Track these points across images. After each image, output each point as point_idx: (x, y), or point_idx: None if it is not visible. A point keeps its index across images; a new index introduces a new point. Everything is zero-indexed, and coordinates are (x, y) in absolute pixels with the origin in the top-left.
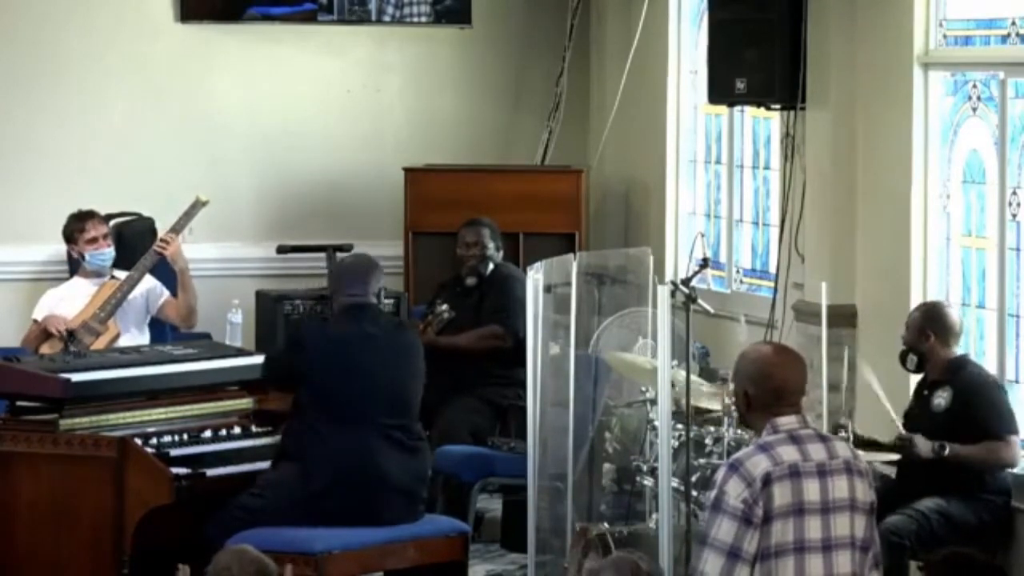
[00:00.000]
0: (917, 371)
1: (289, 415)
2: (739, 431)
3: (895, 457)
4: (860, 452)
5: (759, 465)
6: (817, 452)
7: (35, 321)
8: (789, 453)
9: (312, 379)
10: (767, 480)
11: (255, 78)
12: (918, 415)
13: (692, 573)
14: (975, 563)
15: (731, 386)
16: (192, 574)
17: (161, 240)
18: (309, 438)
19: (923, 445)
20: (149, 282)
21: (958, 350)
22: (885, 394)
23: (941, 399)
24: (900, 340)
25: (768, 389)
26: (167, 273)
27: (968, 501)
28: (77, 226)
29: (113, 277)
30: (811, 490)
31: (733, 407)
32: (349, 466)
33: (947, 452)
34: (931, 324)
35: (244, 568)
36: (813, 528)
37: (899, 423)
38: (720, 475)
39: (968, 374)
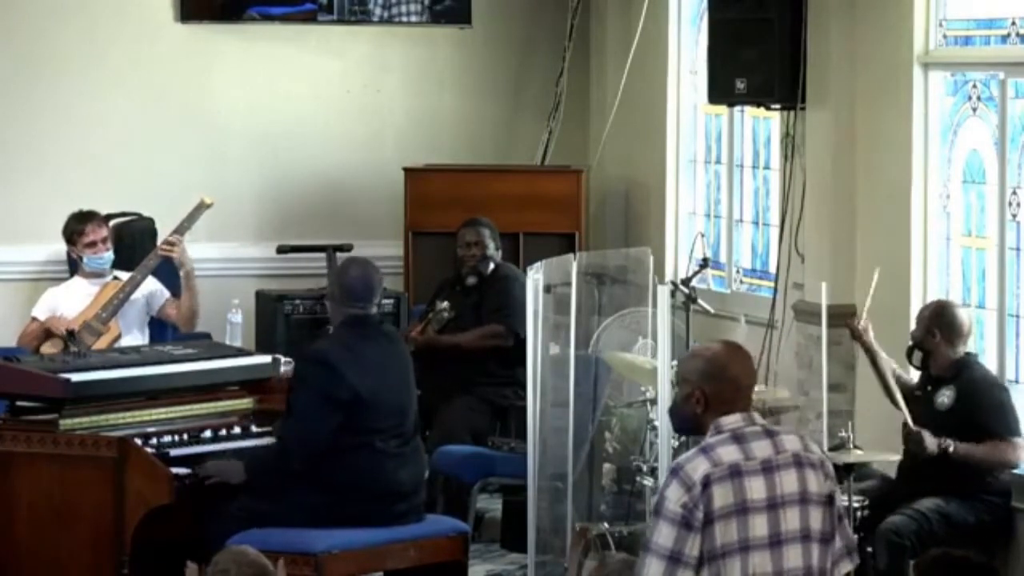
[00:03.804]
0: (921, 368)
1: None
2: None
3: (896, 457)
4: (858, 452)
5: (698, 469)
6: (762, 449)
7: (34, 318)
8: (729, 453)
9: (343, 399)
10: (707, 483)
11: (255, 78)
12: (921, 412)
13: None
14: (969, 564)
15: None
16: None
17: (166, 241)
18: (325, 454)
19: (930, 442)
20: (151, 284)
21: (965, 350)
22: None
23: (945, 397)
24: (906, 337)
25: (725, 385)
26: (167, 274)
27: (968, 501)
28: (77, 228)
29: (115, 278)
30: (755, 488)
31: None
32: (365, 482)
33: (952, 449)
34: (938, 323)
35: (242, 570)
36: (759, 526)
37: (907, 415)
38: (663, 479)
39: (972, 374)
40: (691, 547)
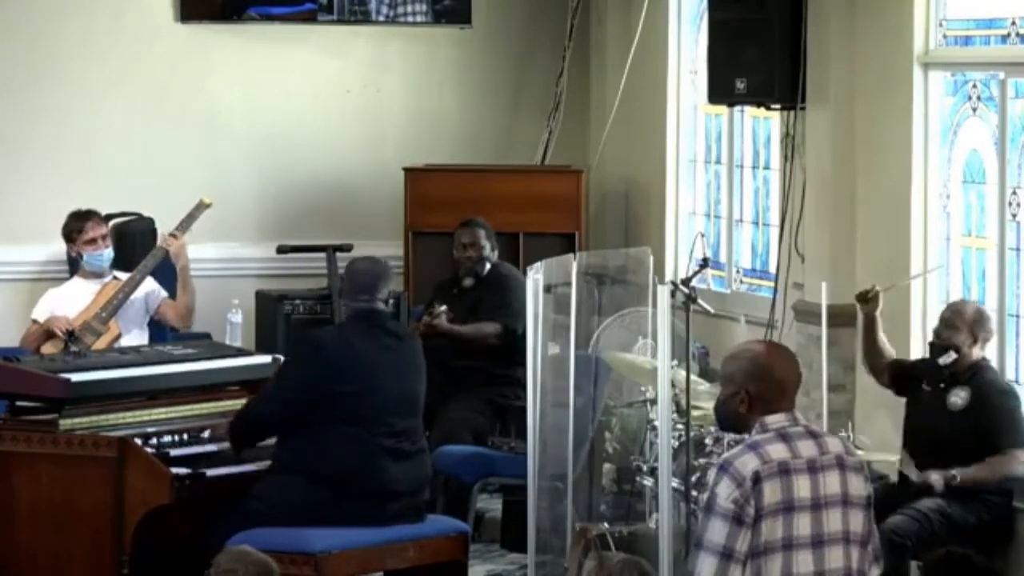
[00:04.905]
0: (950, 367)
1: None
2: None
3: (896, 457)
4: (860, 453)
5: (748, 464)
6: (807, 449)
7: (35, 321)
8: (778, 451)
9: (330, 390)
10: (757, 479)
11: (255, 78)
12: (932, 407)
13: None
14: (972, 563)
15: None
16: None
17: (169, 235)
18: (314, 449)
19: (936, 481)
20: (149, 283)
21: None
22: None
23: (958, 398)
24: (907, 337)
25: (770, 385)
26: (166, 275)
27: (968, 501)
28: (76, 226)
29: (115, 278)
30: (801, 487)
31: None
32: (354, 476)
33: (958, 480)
34: (980, 327)
35: (249, 569)
36: (803, 525)
37: (914, 472)
38: (711, 476)
39: (988, 378)
40: (742, 543)
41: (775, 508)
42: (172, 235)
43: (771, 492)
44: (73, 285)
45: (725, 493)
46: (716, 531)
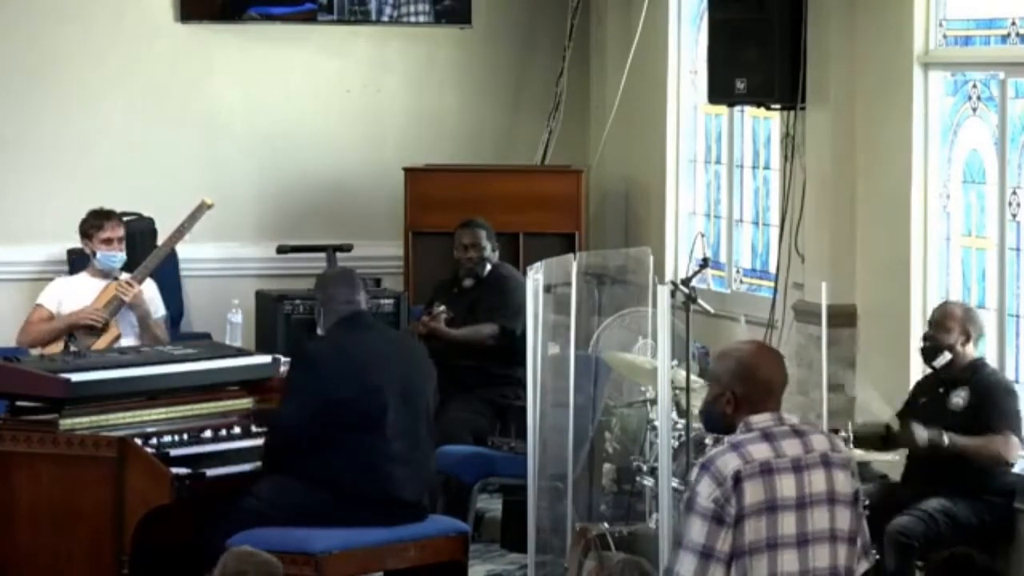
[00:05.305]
0: (945, 369)
1: None
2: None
3: (890, 457)
4: (858, 452)
5: (729, 464)
6: (792, 448)
7: (39, 305)
8: (760, 451)
9: (327, 397)
10: (737, 478)
11: (255, 78)
12: (934, 412)
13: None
14: (974, 563)
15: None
16: None
17: (125, 281)
18: (314, 455)
19: (920, 434)
20: (151, 289)
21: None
22: (885, 399)
23: (959, 398)
24: (907, 337)
25: (757, 386)
26: (167, 276)
27: (972, 502)
28: (95, 223)
29: (116, 279)
30: (785, 486)
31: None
32: (355, 486)
33: (947, 442)
34: (971, 325)
35: (259, 569)
36: (787, 525)
37: (894, 423)
38: (693, 475)
39: (986, 375)
40: (723, 542)
41: (758, 508)
42: (128, 283)
43: (752, 492)
44: (81, 279)
45: (706, 492)
46: (696, 530)
